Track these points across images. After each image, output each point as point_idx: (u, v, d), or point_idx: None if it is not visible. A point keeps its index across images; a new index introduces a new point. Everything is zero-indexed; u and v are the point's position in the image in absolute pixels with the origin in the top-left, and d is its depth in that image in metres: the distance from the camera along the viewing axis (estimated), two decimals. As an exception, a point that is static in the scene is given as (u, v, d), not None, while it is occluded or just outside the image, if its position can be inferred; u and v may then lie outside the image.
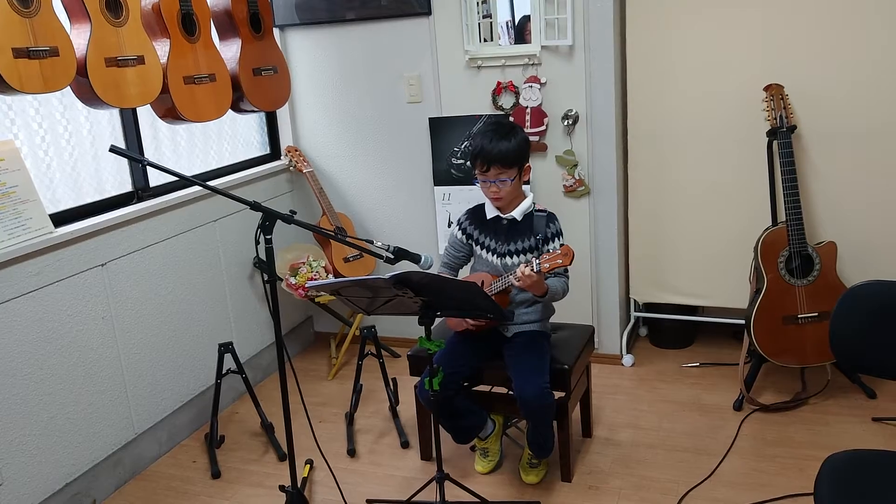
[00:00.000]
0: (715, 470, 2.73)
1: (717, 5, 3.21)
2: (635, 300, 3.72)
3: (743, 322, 3.15)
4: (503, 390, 2.76)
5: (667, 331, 3.78)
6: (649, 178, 3.48)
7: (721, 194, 3.38)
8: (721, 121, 3.31)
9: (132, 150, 3.09)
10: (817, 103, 3.13)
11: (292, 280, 3.50)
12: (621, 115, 3.46)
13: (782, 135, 3.04)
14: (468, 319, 2.65)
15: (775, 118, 3.06)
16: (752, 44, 3.19)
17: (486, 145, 2.55)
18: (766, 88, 3.10)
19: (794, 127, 3.09)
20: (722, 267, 3.43)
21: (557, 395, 2.62)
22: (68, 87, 2.51)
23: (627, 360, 3.62)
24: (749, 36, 3.19)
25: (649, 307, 3.74)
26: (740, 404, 3.15)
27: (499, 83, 3.44)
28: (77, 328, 2.71)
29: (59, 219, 2.72)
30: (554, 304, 2.75)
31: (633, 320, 3.76)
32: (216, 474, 2.94)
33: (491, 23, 3.42)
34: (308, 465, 2.90)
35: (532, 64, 3.38)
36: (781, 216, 3.12)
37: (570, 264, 2.42)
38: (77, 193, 2.88)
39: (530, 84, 3.39)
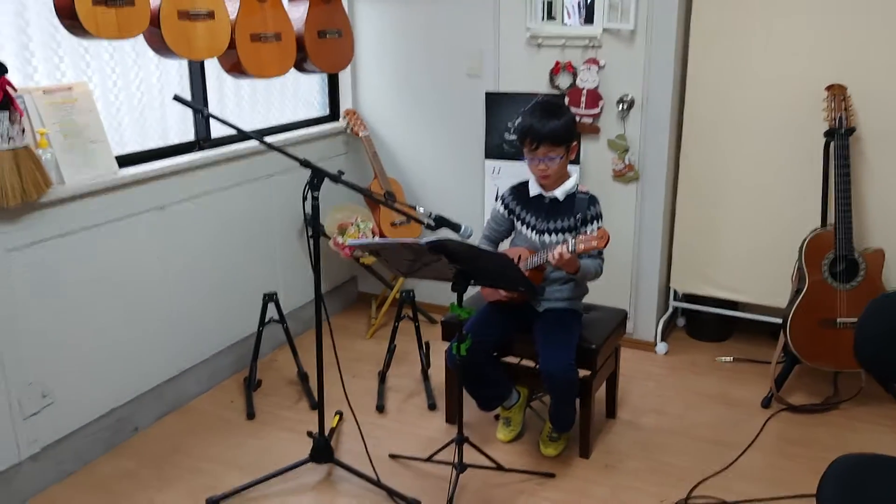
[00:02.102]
0: (733, 462, 2.76)
1: (786, 0, 3.16)
2: (675, 290, 3.72)
3: (780, 321, 3.14)
4: (531, 363, 2.83)
5: (704, 323, 3.78)
6: (701, 168, 3.47)
7: (772, 191, 3.35)
8: (779, 117, 3.27)
9: (197, 101, 3.22)
10: (880, 106, 3.07)
11: (339, 239, 3.61)
12: (677, 104, 3.44)
13: (840, 136, 2.99)
14: (501, 290, 2.71)
15: (834, 119, 3.01)
16: (819, 41, 3.13)
17: (536, 124, 2.59)
18: (828, 88, 3.05)
19: (853, 129, 3.04)
20: (765, 264, 3.41)
21: (583, 373, 2.68)
22: (141, 36, 2.64)
23: (661, 347, 3.64)
24: (816, 33, 3.13)
25: (689, 298, 3.74)
26: (769, 402, 3.15)
27: (557, 63, 3.46)
28: (133, 265, 2.87)
29: (124, 161, 2.86)
30: (589, 284, 2.79)
31: (671, 309, 3.77)
32: (251, 415, 3.09)
33: (552, 2, 3.43)
34: (337, 416, 3.02)
35: (592, 46, 3.39)
36: (831, 218, 3.08)
37: (604, 247, 2.46)
38: (142, 138, 3.02)
39: (588, 66, 3.40)
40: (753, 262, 3.45)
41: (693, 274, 3.61)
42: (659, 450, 2.85)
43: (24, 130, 2.36)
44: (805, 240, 3.04)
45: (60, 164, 2.57)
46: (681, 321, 3.92)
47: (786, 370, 3.18)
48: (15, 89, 2.33)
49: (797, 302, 3.03)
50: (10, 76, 2.30)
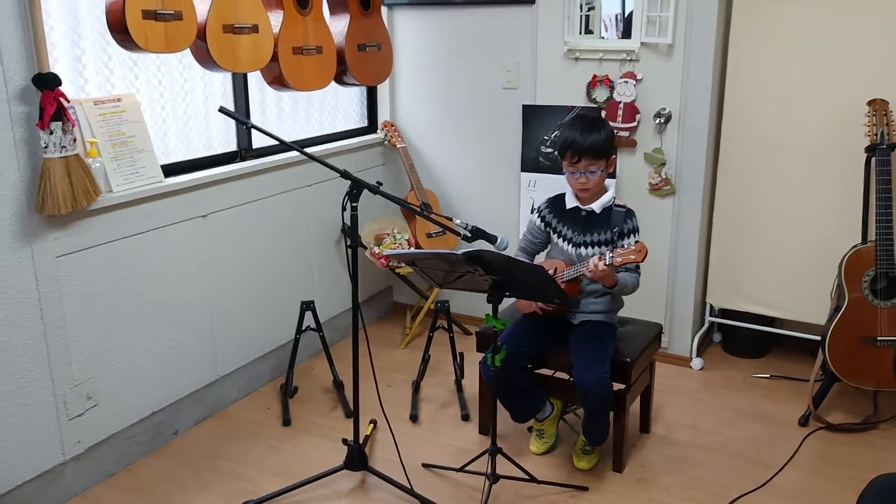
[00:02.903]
0: (769, 481, 2.73)
1: (827, 15, 3.14)
2: (711, 305, 3.70)
3: (819, 338, 3.10)
4: (565, 376, 2.83)
5: (741, 339, 3.74)
6: (738, 183, 3.45)
7: (811, 206, 3.32)
8: (819, 131, 3.24)
9: (240, 112, 3.29)
10: (923, 122, 3.03)
11: (376, 249, 3.66)
12: (715, 118, 3.44)
13: (881, 151, 2.96)
14: (537, 302, 2.73)
15: (876, 134, 2.98)
16: (860, 56, 3.11)
17: (578, 137, 2.60)
18: (870, 103, 3.02)
19: (895, 145, 3.00)
20: (804, 280, 3.38)
21: (617, 386, 2.68)
22: (188, 49, 2.71)
23: (696, 363, 3.61)
24: (857, 48, 3.11)
25: (725, 313, 3.71)
26: (806, 420, 3.11)
27: (594, 76, 3.47)
28: (175, 272, 2.94)
29: (169, 170, 2.94)
30: (623, 297, 2.79)
31: (707, 324, 3.74)
32: (287, 422, 3.14)
33: (590, 15, 3.45)
34: (372, 425, 3.05)
35: (630, 60, 3.39)
36: (872, 234, 3.04)
37: (642, 261, 2.47)
38: (187, 148, 3.10)
39: (626, 80, 3.41)
40: (792, 278, 3.42)
41: (730, 289, 3.58)
42: (693, 466, 2.83)
43: (75, 140, 2.44)
44: (845, 256, 3.01)
45: (109, 172, 2.65)
46: (717, 337, 3.89)
47: (824, 388, 3.13)
48: (68, 100, 2.41)
49: (836, 319, 2.99)
50: (63, 88, 2.38)
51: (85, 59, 2.66)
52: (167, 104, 3.00)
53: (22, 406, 2.47)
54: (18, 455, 2.48)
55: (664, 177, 3.45)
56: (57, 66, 2.51)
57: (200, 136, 3.16)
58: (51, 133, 2.35)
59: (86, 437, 2.69)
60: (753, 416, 3.19)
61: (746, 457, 2.89)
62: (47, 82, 2.34)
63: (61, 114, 2.37)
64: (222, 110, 2.40)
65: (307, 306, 3.25)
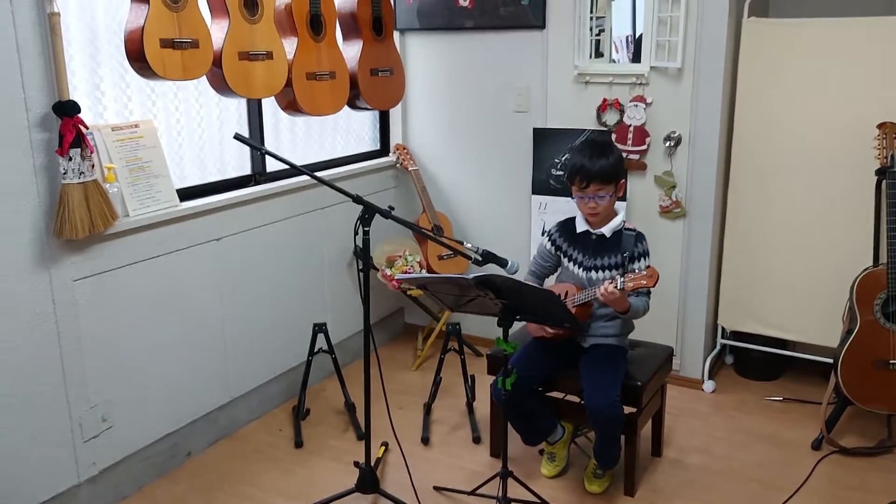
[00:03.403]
0: (782, 505, 2.72)
1: (836, 38, 3.17)
2: (723, 327, 3.69)
3: (832, 361, 3.09)
4: (576, 399, 2.84)
5: (753, 361, 3.73)
6: (749, 205, 3.46)
7: (822, 228, 3.32)
8: (829, 154, 3.26)
9: (254, 137, 3.34)
10: (934, 145, 3.03)
11: (387, 271, 3.69)
12: (725, 140, 3.45)
13: (891, 174, 2.96)
14: (547, 326, 2.74)
15: (886, 157, 2.99)
16: (869, 79, 3.13)
17: (586, 163, 2.63)
18: (880, 126, 3.03)
19: (906, 168, 3.01)
20: (816, 303, 3.37)
21: (628, 410, 2.68)
22: (204, 76, 2.76)
23: (708, 385, 3.60)
24: (866, 70, 3.13)
25: (737, 336, 3.70)
26: (819, 444, 3.09)
27: (605, 100, 3.50)
28: (190, 294, 2.98)
29: (185, 194, 2.98)
30: (634, 320, 2.80)
31: (718, 347, 3.74)
32: (299, 444, 3.15)
33: (600, 39, 3.49)
34: (383, 447, 3.06)
35: (639, 83, 3.42)
36: (883, 257, 3.04)
37: (653, 286, 2.48)
38: (202, 172, 3.14)
39: (636, 103, 3.44)
40: (803, 300, 3.41)
41: (741, 311, 3.58)
42: (706, 490, 2.82)
43: (93, 165, 2.49)
44: (856, 279, 3.01)
45: (125, 197, 2.69)
46: (729, 359, 3.88)
47: (837, 411, 3.12)
48: (86, 127, 2.46)
49: (848, 342, 2.99)
50: (82, 115, 2.43)
51: (104, 87, 2.72)
52: (183, 129, 3.05)
53: (39, 428, 2.50)
54: (35, 476, 2.51)
55: (675, 199, 3.46)
56: (76, 93, 2.57)
57: (215, 160, 3.20)
58: (70, 159, 2.40)
59: (101, 459, 2.71)
60: (766, 439, 3.17)
61: (759, 481, 2.87)
62: (67, 110, 2.39)
63: (80, 140, 2.42)
64: (237, 137, 2.44)
65: (319, 328, 3.28)
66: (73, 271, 2.54)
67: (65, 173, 2.41)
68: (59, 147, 2.39)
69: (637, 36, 3.44)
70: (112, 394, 2.72)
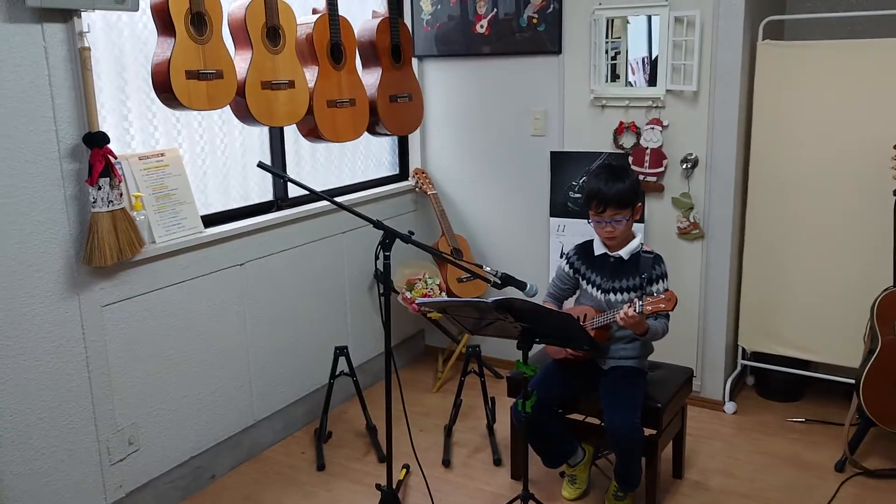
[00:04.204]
0: (805, 528, 2.70)
1: (851, 58, 3.19)
2: (744, 348, 3.69)
3: (854, 381, 3.08)
4: (596, 421, 2.84)
5: (775, 382, 3.71)
6: (767, 226, 3.47)
7: (841, 249, 3.32)
8: (847, 175, 3.26)
9: (277, 163, 3.41)
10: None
11: (407, 294, 3.72)
12: (742, 162, 3.47)
13: (910, 195, 2.97)
14: (567, 349, 2.76)
15: (904, 177, 2.99)
16: (885, 101, 3.14)
17: (602, 187, 2.66)
18: (897, 146, 3.04)
19: (924, 188, 3.01)
20: (836, 323, 3.37)
21: (648, 431, 2.68)
22: (227, 106, 2.83)
23: (729, 407, 3.59)
24: (883, 90, 3.14)
25: (758, 357, 3.69)
26: (843, 466, 3.07)
27: (621, 123, 3.54)
28: (214, 319, 3.03)
29: (209, 220, 3.04)
30: (653, 342, 2.81)
31: (739, 368, 3.73)
32: (321, 467, 3.18)
33: (616, 63, 3.53)
34: (404, 470, 3.08)
35: (656, 106, 3.46)
36: (904, 278, 3.04)
37: (672, 310, 2.49)
38: (226, 199, 3.21)
39: (652, 126, 3.47)
40: (824, 320, 3.41)
41: (762, 332, 3.57)
42: (728, 512, 2.82)
43: (121, 194, 2.55)
44: (877, 299, 3.00)
45: (152, 224, 2.76)
46: (750, 380, 3.87)
47: (860, 433, 3.10)
48: (115, 157, 2.53)
49: (870, 363, 2.97)
50: (111, 145, 2.51)
51: (131, 117, 2.79)
52: (207, 157, 3.12)
53: (67, 451, 2.56)
54: (63, 499, 2.56)
55: (692, 221, 3.48)
56: (105, 124, 2.64)
57: (239, 186, 3.27)
58: (99, 189, 2.47)
59: (127, 482, 2.76)
60: (788, 461, 3.16)
61: (782, 503, 2.86)
62: (97, 141, 2.46)
63: (109, 170, 2.49)
64: (261, 165, 2.50)
65: (341, 352, 3.31)
66: (102, 297, 2.61)
67: (94, 202, 2.48)
68: (89, 177, 2.46)
69: (653, 58, 3.47)
70: (138, 417, 2.77)
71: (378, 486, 2.75)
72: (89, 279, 2.56)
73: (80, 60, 2.43)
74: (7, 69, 2.28)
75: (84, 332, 2.56)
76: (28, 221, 2.37)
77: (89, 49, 2.44)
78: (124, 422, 2.72)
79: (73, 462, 2.58)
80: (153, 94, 2.66)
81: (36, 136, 2.37)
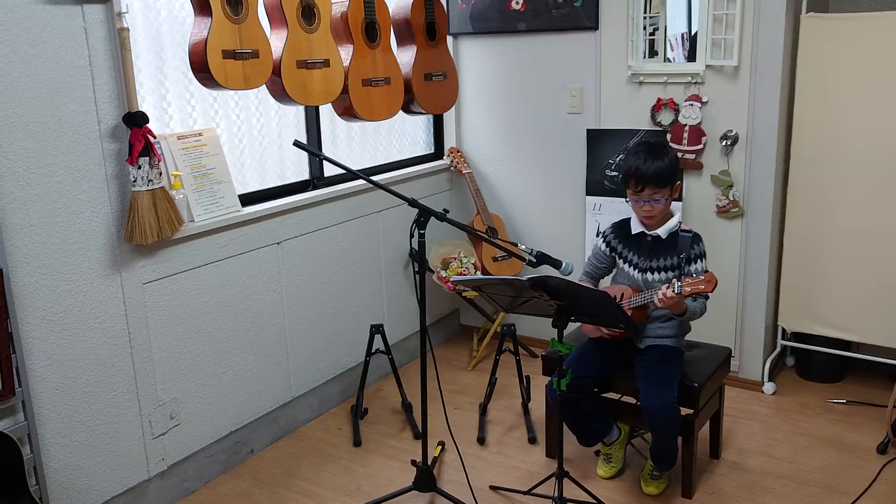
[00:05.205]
0: (845, 510, 2.67)
1: (900, 32, 3.09)
2: (783, 328, 3.63)
3: None
4: (632, 400, 2.83)
5: (816, 363, 3.65)
6: (809, 204, 3.39)
7: (885, 228, 3.24)
8: (893, 152, 3.17)
9: (312, 142, 3.43)
10: None
11: (443, 273, 3.73)
12: (784, 139, 3.40)
13: (960, 171, 2.88)
14: (603, 328, 2.74)
15: (954, 153, 2.91)
16: (936, 74, 3.04)
17: (641, 165, 2.62)
18: (947, 121, 2.95)
19: (975, 164, 2.92)
20: (879, 303, 3.29)
21: (685, 411, 2.67)
22: (263, 85, 2.85)
23: (768, 387, 3.55)
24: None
25: (798, 337, 3.63)
26: (885, 448, 3.02)
27: (659, 99, 3.48)
28: (252, 297, 3.07)
29: (246, 199, 3.08)
30: (690, 322, 2.78)
31: (779, 348, 3.67)
32: (357, 443, 3.22)
33: (654, 38, 3.47)
34: (440, 447, 3.10)
35: (695, 82, 3.39)
36: (952, 257, 2.96)
37: (711, 291, 2.46)
38: (262, 178, 3.24)
39: (691, 102, 3.41)
40: (867, 301, 3.33)
41: (802, 312, 3.51)
42: (766, 493, 2.79)
43: (161, 173, 2.59)
44: (923, 279, 2.93)
45: (191, 203, 2.80)
46: (790, 360, 3.81)
47: (904, 415, 3.04)
48: (154, 136, 2.56)
49: (915, 344, 2.91)
50: (150, 125, 2.54)
51: (169, 97, 2.83)
52: (244, 137, 3.15)
53: (111, 425, 2.62)
54: (108, 471, 2.63)
55: (732, 199, 3.42)
56: (144, 104, 2.68)
57: (275, 166, 3.30)
58: (139, 168, 2.51)
59: (169, 455, 2.82)
60: (829, 442, 3.11)
61: (821, 485, 2.82)
62: (136, 120, 2.50)
63: (149, 149, 2.53)
64: (297, 144, 2.52)
65: (376, 329, 3.34)
66: (143, 275, 2.66)
67: (134, 181, 2.52)
68: (129, 156, 2.50)
69: (693, 33, 3.40)
70: (179, 392, 2.83)
71: (414, 462, 2.78)
72: (130, 257, 2.61)
73: (119, 41, 2.46)
74: (49, 50, 2.32)
75: (126, 308, 2.62)
76: (71, 200, 2.42)
77: (128, 29, 2.47)
78: (166, 396, 2.78)
79: (116, 435, 2.64)
80: (191, 74, 2.69)
81: (77, 116, 2.41)
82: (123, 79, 2.49)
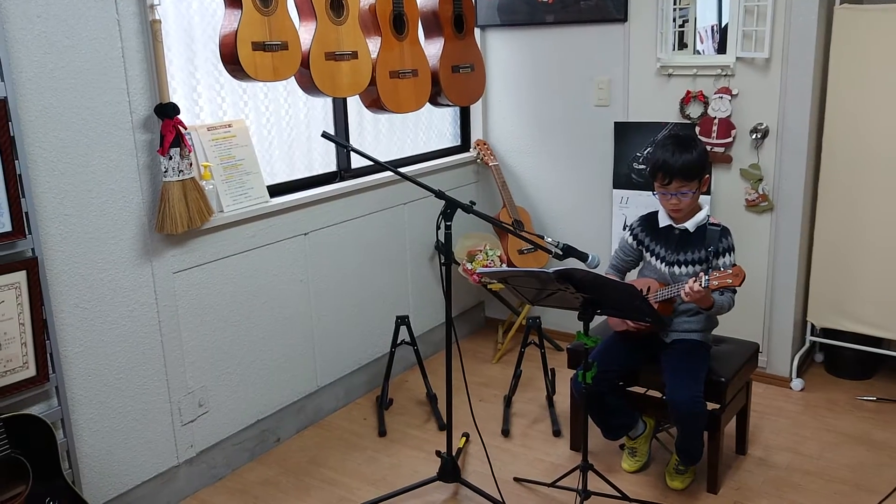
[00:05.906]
0: (874, 508, 2.64)
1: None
2: (813, 324, 3.59)
3: (929, 360, 2.97)
4: (658, 394, 2.82)
5: (845, 359, 3.61)
6: (841, 199, 3.35)
7: (920, 223, 3.19)
8: (928, 146, 3.12)
9: (340, 134, 3.45)
10: None
11: (468, 265, 3.74)
12: (815, 133, 3.35)
13: None
14: (629, 321, 2.74)
15: None
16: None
17: (669, 158, 2.60)
18: (985, 115, 2.89)
19: None
20: (913, 300, 3.24)
21: (711, 406, 2.65)
22: (292, 77, 2.87)
23: (797, 383, 3.51)
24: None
25: (828, 333, 3.59)
26: (915, 446, 2.98)
27: (688, 92, 3.45)
28: (279, 287, 3.10)
29: (274, 190, 3.10)
30: (717, 316, 2.76)
31: (808, 344, 3.63)
32: (382, 433, 3.24)
33: (684, 30, 3.44)
34: (464, 438, 3.12)
35: (725, 75, 3.36)
36: None
37: (739, 285, 2.44)
38: (290, 169, 3.27)
39: (721, 95, 3.37)
40: (899, 297, 3.29)
41: (832, 308, 3.47)
42: (792, 490, 2.76)
43: (191, 164, 2.62)
44: (957, 275, 2.88)
45: (220, 193, 2.83)
46: (819, 357, 3.77)
47: (935, 413, 3.00)
48: (185, 127, 2.60)
49: (948, 341, 2.87)
50: (180, 116, 2.57)
51: (200, 89, 2.86)
52: (273, 128, 3.18)
53: (141, 411, 2.67)
54: (139, 456, 2.68)
55: (761, 193, 3.39)
56: (175, 95, 2.71)
57: (303, 157, 3.32)
58: (170, 158, 2.54)
59: (197, 442, 2.86)
60: (857, 440, 3.08)
61: (850, 482, 2.79)
62: (168, 112, 2.53)
63: (179, 140, 2.56)
64: (325, 135, 2.53)
65: (402, 321, 3.36)
66: (174, 264, 2.69)
67: (165, 171, 2.55)
68: (161, 147, 2.53)
69: (723, 25, 3.37)
70: (208, 380, 2.87)
71: (438, 453, 2.80)
72: (161, 246, 2.65)
73: (151, 33, 2.50)
74: (83, 42, 2.35)
75: (157, 297, 2.66)
76: (104, 190, 2.46)
77: (160, 21, 2.50)
78: (195, 384, 2.82)
79: (146, 421, 2.69)
80: (221, 66, 2.71)
81: (110, 107, 2.45)
82: (155, 70, 2.53)
